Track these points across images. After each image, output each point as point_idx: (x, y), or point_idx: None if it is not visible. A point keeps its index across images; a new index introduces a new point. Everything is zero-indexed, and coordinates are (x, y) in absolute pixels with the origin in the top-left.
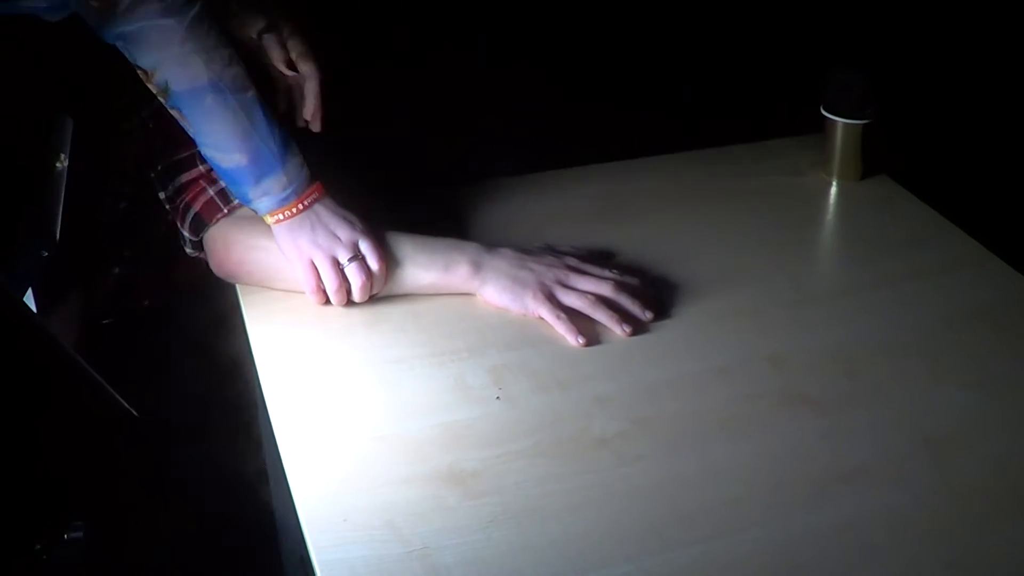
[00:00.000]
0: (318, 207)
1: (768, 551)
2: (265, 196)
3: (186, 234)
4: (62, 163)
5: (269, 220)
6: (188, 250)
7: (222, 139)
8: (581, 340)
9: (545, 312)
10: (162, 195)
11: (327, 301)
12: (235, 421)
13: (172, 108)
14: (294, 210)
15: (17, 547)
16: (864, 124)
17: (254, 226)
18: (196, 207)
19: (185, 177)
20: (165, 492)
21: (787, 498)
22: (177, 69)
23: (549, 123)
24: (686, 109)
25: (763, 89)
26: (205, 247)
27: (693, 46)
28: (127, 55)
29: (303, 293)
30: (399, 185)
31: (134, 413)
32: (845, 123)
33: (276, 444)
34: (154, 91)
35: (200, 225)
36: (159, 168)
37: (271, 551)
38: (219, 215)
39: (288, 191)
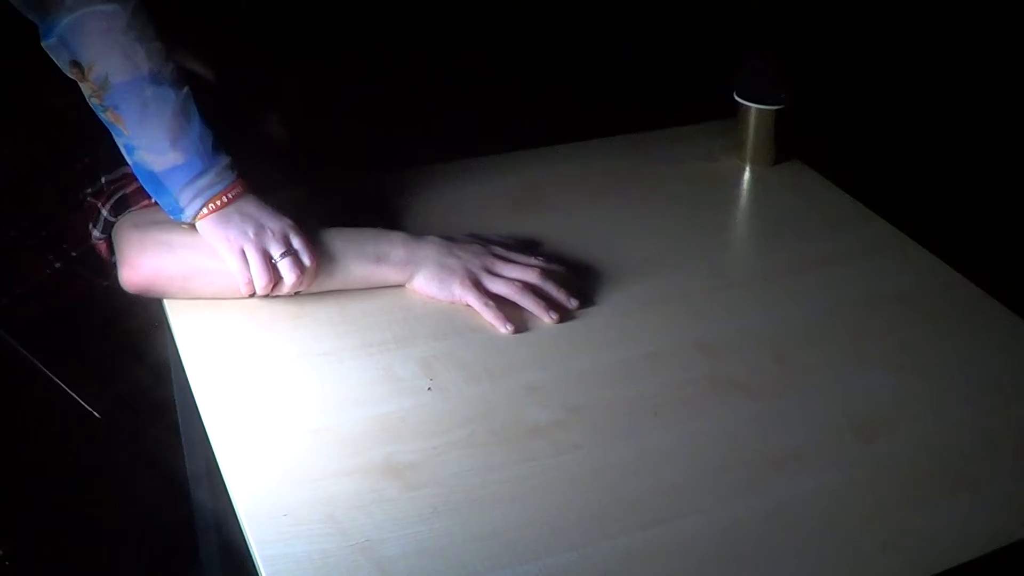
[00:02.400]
0: (244, 200)
1: (708, 536)
2: (195, 198)
3: (104, 213)
4: None
5: (195, 220)
6: (96, 233)
7: (158, 136)
8: (509, 327)
9: (472, 299)
10: (90, 191)
11: (254, 293)
12: (161, 419)
13: (107, 109)
14: (219, 202)
15: None
16: (776, 109)
17: (171, 226)
18: (127, 190)
19: (128, 170)
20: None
21: (723, 483)
22: (118, 59)
23: (468, 111)
24: (602, 95)
25: (676, 75)
26: (117, 254)
27: (608, 32)
28: (62, 55)
29: (224, 294)
30: (320, 175)
31: (96, 415)
32: (758, 108)
33: (205, 441)
34: (88, 91)
35: (122, 207)
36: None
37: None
38: (145, 202)
39: (216, 187)
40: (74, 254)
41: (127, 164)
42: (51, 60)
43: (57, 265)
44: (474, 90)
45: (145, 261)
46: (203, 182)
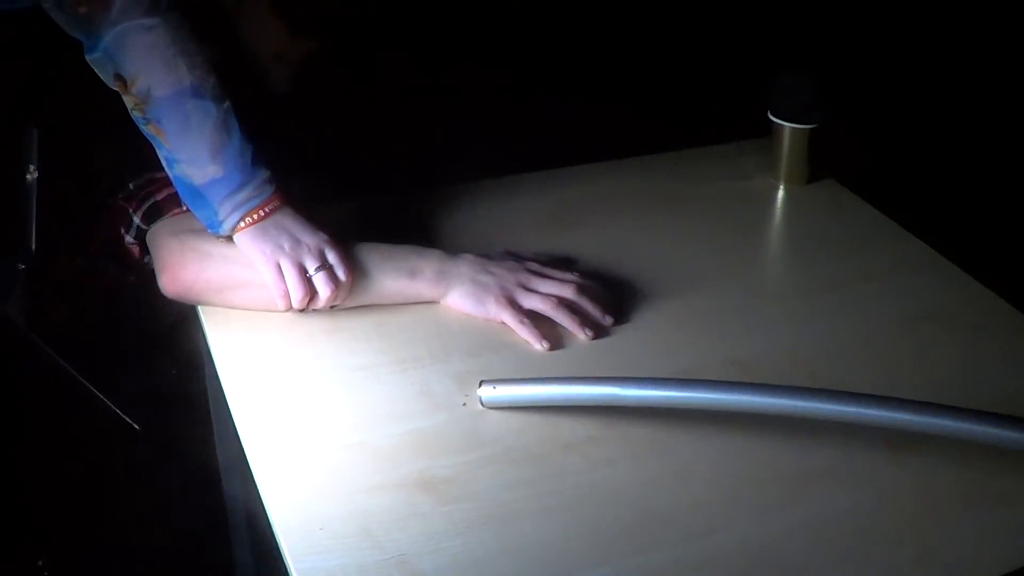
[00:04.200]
0: (281, 213)
1: (741, 552)
2: (234, 211)
3: (136, 220)
4: (32, 174)
5: (232, 232)
6: (129, 239)
7: (199, 150)
8: (545, 345)
9: (507, 317)
10: (120, 195)
11: (290, 307)
12: (194, 425)
13: (149, 122)
14: (256, 216)
15: (20, 562)
16: (811, 128)
17: (209, 236)
18: (158, 197)
19: (158, 175)
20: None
21: (756, 499)
22: (161, 72)
23: (505, 128)
24: (637, 113)
25: (712, 94)
26: (156, 261)
27: (644, 52)
28: (107, 68)
29: (261, 310)
30: (358, 192)
31: (135, 427)
32: (792, 127)
33: (240, 453)
34: (131, 104)
35: (155, 214)
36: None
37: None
38: (177, 210)
39: (254, 200)
40: (98, 252)
41: (151, 165)
42: (66, 59)
43: (81, 263)
44: (511, 108)
45: (184, 269)
46: (242, 196)
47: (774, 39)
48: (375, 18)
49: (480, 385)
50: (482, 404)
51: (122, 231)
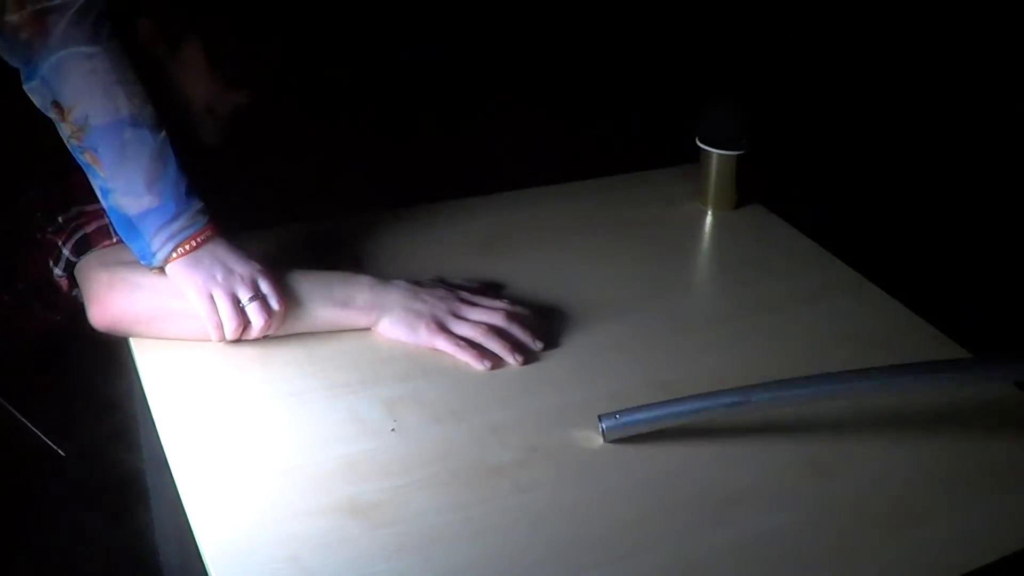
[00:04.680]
0: (214, 243)
1: (668, 573)
2: (167, 241)
3: (65, 252)
4: None
5: (165, 263)
6: (57, 272)
7: (135, 179)
8: (487, 364)
9: (442, 343)
10: (49, 229)
11: (223, 338)
12: (125, 455)
13: (85, 151)
14: (189, 246)
15: None
16: (737, 155)
17: (140, 266)
18: (87, 229)
19: (88, 208)
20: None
21: (684, 520)
22: (100, 101)
23: (437, 156)
24: (567, 140)
25: (640, 120)
26: (85, 293)
27: (573, 79)
28: (45, 95)
29: (191, 336)
30: (290, 220)
31: (61, 452)
32: (719, 154)
33: (170, 482)
34: (68, 132)
35: (84, 246)
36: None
37: None
38: (107, 242)
39: (187, 231)
40: (26, 288)
41: (81, 199)
42: None
43: (7, 300)
44: (441, 136)
45: (114, 301)
46: (175, 226)
47: (702, 66)
48: (307, 71)
49: (600, 420)
50: (604, 438)
51: (51, 264)
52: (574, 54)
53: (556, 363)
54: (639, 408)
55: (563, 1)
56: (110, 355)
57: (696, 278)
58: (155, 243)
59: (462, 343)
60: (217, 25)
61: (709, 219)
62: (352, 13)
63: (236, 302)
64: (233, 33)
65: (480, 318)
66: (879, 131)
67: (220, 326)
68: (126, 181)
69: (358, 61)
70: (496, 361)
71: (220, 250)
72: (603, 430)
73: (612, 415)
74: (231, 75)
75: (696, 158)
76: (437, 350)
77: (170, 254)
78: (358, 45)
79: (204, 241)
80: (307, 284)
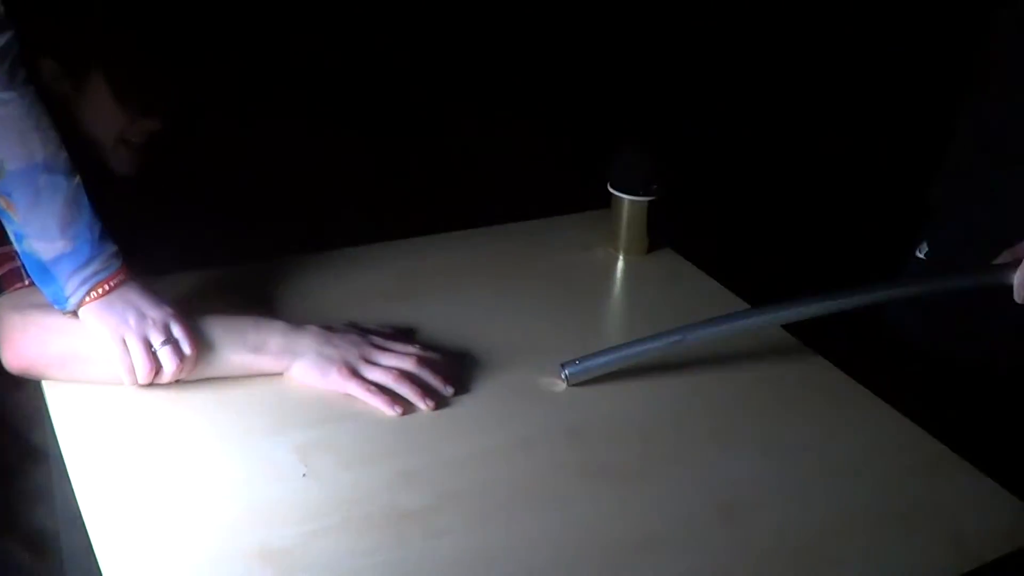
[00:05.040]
0: (127, 287)
1: None
2: (80, 285)
3: None
4: None
5: (77, 307)
6: None
7: (49, 225)
8: (397, 409)
9: (353, 388)
10: None
11: (136, 382)
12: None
13: (0, 196)
14: (102, 290)
15: None
16: (649, 201)
17: (52, 309)
18: None
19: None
20: None
21: (592, 568)
22: (15, 146)
23: (349, 200)
24: (480, 185)
25: (552, 165)
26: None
27: (486, 124)
28: None
29: (104, 380)
30: (202, 264)
31: None
32: (631, 200)
33: (81, 526)
34: None
35: None
36: None
37: None
38: (19, 284)
39: (100, 275)
40: None
41: None
42: None
43: None
44: (354, 180)
45: (28, 344)
46: (89, 270)
47: (614, 111)
48: (217, 99)
49: (563, 367)
50: (567, 382)
51: None
52: (490, 97)
53: (467, 408)
54: (597, 354)
55: (478, 47)
56: (27, 399)
57: (607, 324)
58: (68, 287)
59: (373, 388)
60: (119, 55)
61: (621, 264)
62: (262, 48)
63: (148, 346)
64: (136, 61)
65: (391, 363)
66: (790, 176)
67: (133, 370)
68: (40, 226)
69: (267, 98)
70: (407, 406)
71: (133, 294)
72: (566, 376)
73: (573, 361)
74: (140, 103)
75: (608, 203)
76: (349, 395)
77: (83, 298)
78: (266, 76)
79: (117, 285)
80: (219, 329)
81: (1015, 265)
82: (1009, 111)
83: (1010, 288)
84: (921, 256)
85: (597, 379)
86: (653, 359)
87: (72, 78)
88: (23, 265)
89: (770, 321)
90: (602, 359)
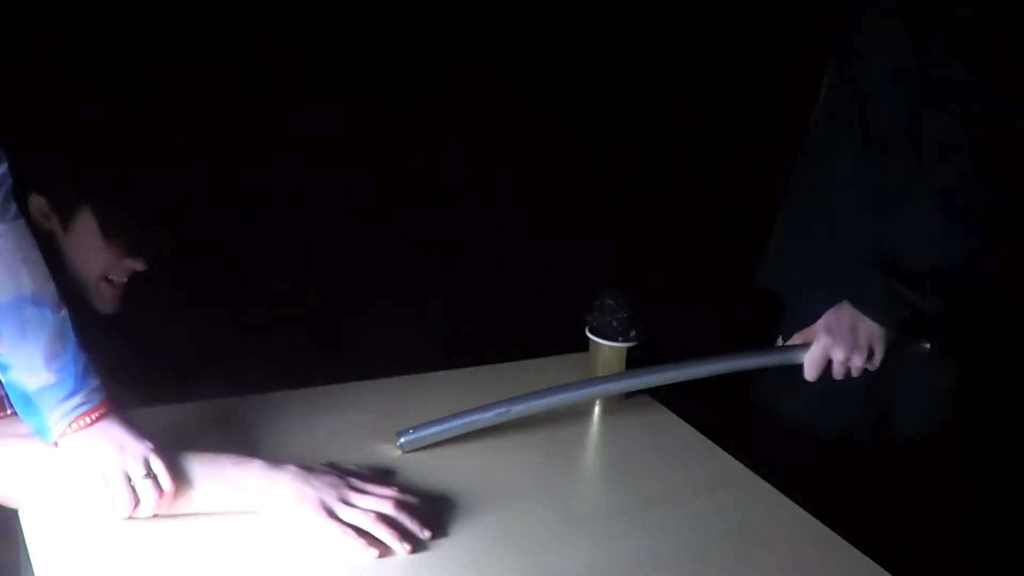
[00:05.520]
0: (108, 420)
1: None
2: (63, 417)
3: None
4: None
5: (59, 438)
6: None
7: (34, 357)
8: (374, 551)
9: (331, 528)
10: None
11: (115, 514)
12: None
13: None
14: (84, 422)
15: None
16: (627, 347)
17: (33, 440)
18: None
19: None
20: None
21: None
22: (3, 278)
23: (326, 339)
24: (458, 326)
25: (531, 308)
26: None
27: (468, 266)
28: None
29: (82, 511)
30: (183, 399)
31: None
32: (609, 345)
33: None
34: None
35: None
36: None
37: None
38: (1, 413)
39: (83, 407)
40: None
41: None
42: None
43: None
44: (333, 316)
45: (6, 473)
46: (72, 402)
47: (593, 256)
48: (203, 239)
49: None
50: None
51: None
52: (466, 243)
53: (443, 552)
54: (431, 423)
55: (461, 190)
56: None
57: (584, 469)
58: (51, 419)
59: (350, 529)
60: (109, 197)
61: (598, 410)
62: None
63: (128, 479)
64: (126, 204)
65: (369, 505)
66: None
67: (112, 502)
68: (25, 358)
69: (250, 234)
70: (384, 549)
71: (114, 427)
72: (401, 444)
73: (408, 430)
74: (126, 244)
75: (585, 347)
76: (325, 535)
77: (65, 429)
78: (250, 217)
79: (99, 418)
80: (198, 465)
81: (806, 347)
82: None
83: (801, 367)
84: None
85: (575, 524)
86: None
87: (60, 216)
88: (6, 395)
89: (592, 395)
90: (435, 428)
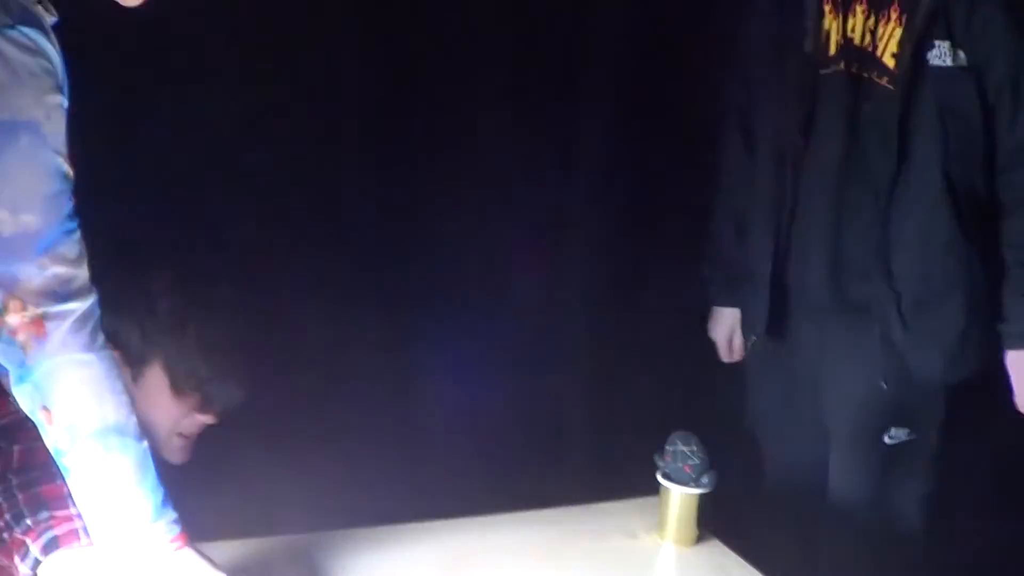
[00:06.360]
0: (184, 554)
1: None
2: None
3: (34, 551)
4: None
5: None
6: (24, 569)
7: (116, 485)
8: None
9: None
10: (17, 529)
11: None
12: None
13: (67, 455)
14: (161, 552)
15: None
16: (699, 493)
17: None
18: (56, 531)
19: (59, 512)
20: None
21: None
22: (90, 407)
23: (393, 476)
24: (531, 468)
25: (603, 451)
26: None
27: (533, 411)
28: (35, 400)
29: None
30: (259, 531)
31: None
32: (681, 490)
33: None
34: (51, 437)
35: (53, 546)
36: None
37: None
38: (77, 541)
39: (160, 537)
40: None
41: (52, 507)
42: None
43: None
44: (395, 454)
45: None
46: (150, 532)
47: (664, 402)
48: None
49: None
50: None
51: (16, 559)
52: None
53: None
54: None
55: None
56: None
57: None
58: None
59: None
60: (179, 354)
61: (668, 555)
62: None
63: None
64: (195, 361)
65: None
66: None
67: None
68: (108, 485)
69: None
70: None
71: (190, 561)
72: None
73: None
74: (196, 400)
75: (656, 491)
76: None
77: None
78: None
79: (177, 549)
80: None
81: None
82: None
83: None
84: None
85: None
86: None
87: (132, 367)
88: (83, 527)
89: None
90: None
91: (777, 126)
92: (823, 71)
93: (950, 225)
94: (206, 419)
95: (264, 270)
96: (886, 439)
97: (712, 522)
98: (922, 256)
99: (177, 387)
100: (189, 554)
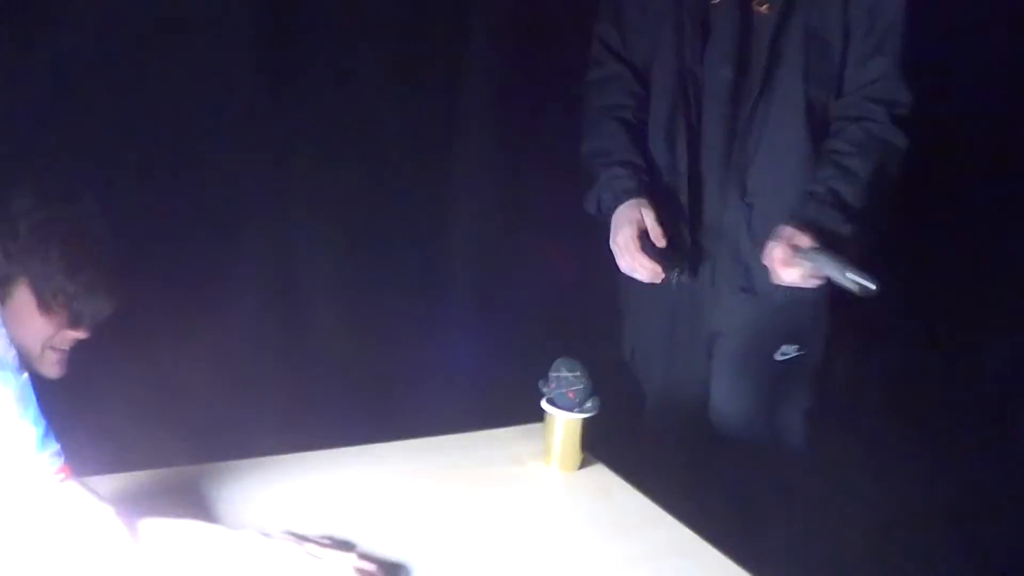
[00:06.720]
0: (67, 485)
1: None
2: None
3: None
4: None
5: None
6: None
7: None
8: None
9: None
10: None
11: None
12: None
13: None
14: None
15: None
16: (583, 417)
17: None
18: None
19: None
20: None
21: None
22: None
23: (291, 404)
24: (412, 396)
25: (489, 378)
26: None
27: (420, 334)
28: None
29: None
30: (139, 465)
31: None
32: (565, 416)
33: None
34: None
35: None
36: None
37: None
38: None
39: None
40: None
41: None
42: None
43: None
44: (281, 384)
45: None
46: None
47: (548, 326)
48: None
49: None
50: None
51: None
52: (417, 306)
53: None
54: None
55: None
56: None
57: (540, 538)
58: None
59: None
60: (43, 274)
61: (553, 479)
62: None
63: None
64: (60, 279)
65: (327, 572)
66: None
67: None
68: None
69: (195, 300)
70: None
71: (74, 492)
72: None
73: None
74: (64, 316)
75: (541, 417)
76: None
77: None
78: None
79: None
80: (155, 530)
81: None
82: None
83: None
84: None
85: None
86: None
87: None
88: None
89: None
90: None
91: (678, 57)
92: (712, 1)
93: (805, 143)
94: (77, 335)
95: (133, 182)
96: (777, 356)
97: (597, 446)
98: (777, 171)
99: (45, 305)
100: (74, 486)
